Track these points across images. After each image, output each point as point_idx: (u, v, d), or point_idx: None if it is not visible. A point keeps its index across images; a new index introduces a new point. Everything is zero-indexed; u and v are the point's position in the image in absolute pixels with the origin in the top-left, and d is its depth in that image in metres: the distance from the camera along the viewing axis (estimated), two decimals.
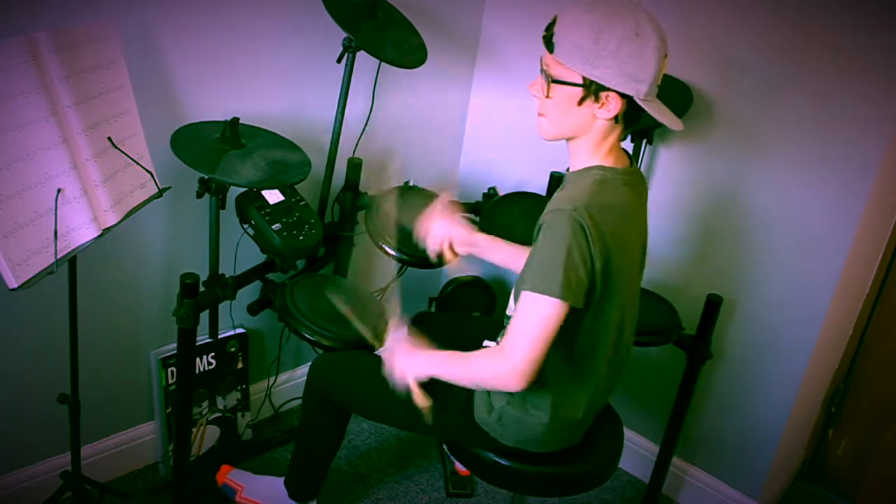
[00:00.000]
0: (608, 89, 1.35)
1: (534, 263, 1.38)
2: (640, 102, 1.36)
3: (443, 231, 1.73)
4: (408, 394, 1.50)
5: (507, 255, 1.73)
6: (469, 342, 1.75)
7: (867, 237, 2.04)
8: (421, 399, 1.50)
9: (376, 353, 1.60)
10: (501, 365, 1.38)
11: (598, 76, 1.34)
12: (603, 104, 1.37)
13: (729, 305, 2.11)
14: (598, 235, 1.34)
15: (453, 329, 1.98)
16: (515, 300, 1.56)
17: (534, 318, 1.35)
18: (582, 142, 1.44)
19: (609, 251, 1.37)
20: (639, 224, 1.52)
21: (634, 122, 1.43)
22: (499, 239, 1.75)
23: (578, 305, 1.36)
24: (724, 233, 2.13)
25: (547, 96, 1.42)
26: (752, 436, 2.18)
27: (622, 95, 1.36)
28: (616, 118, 1.39)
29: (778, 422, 2.13)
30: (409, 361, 1.52)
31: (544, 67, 1.42)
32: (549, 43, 1.39)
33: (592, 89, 1.36)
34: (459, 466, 2.28)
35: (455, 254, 1.74)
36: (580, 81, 1.36)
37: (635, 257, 1.52)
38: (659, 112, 1.39)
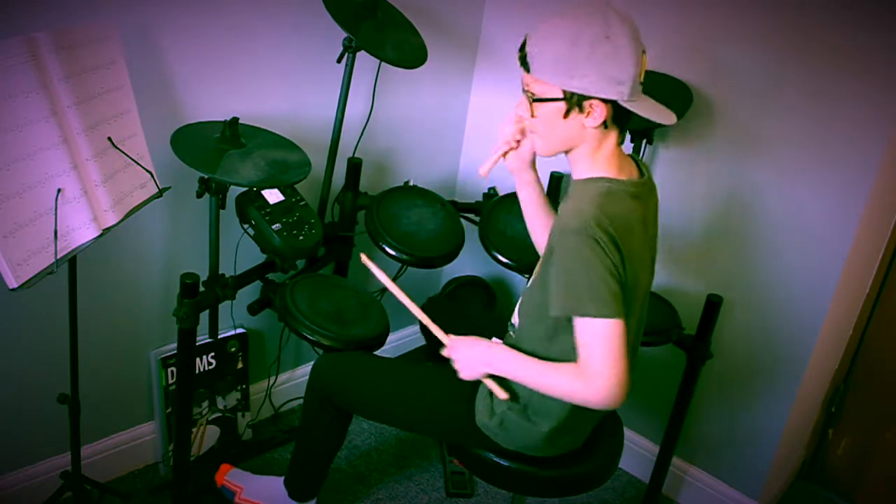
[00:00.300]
0: (591, 97, 1.34)
1: (565, 287, 1.35)
2: (624, 104, 1.35)
3: (513, 136, 1.63)
4: (406, 399, 1.48)
5: (534, 207, 1.70)
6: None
7: (867, 237, 2.04)
8: (501, 392, 1.50)
9: (442, 351, 1.58)
10: (588, 391, 1.35)
11: (577, 87, 1.33)
12: (589, 113, 1.36)
13: (729, 305, 2.11)
14: (612, 245, 1.33)
15: (464, 327, 1.98)
16: (520, 314, 1.56)
17: (598, 343, 1.33)
18: (579, 152, 1.43)
19: (623, 260, 1.36)
20: (645, 235, 1.49)
21: (627, 123, 1.42)
22: (542, 190, 1.70)
23: (623, 318, 1.34)
24: (724, 233, 2.13)
25: (532, 115, 1.42)
26: (752, 436, 2.18)
27: (606, 101, 1.35)
28: (605, 124, 1.38)
29: (778, 422, 2.13)
30: (475, 357, 1.51)
31: (525, 87, 1.41)
32: (524, 63, 1.39)
33: (574, 101, 1.35)
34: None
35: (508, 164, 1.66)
36: (561, 95, 1.36)
37: (645, 267, 1.51)
38: (647, 110, 1.38)
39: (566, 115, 1.37)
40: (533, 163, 1.66)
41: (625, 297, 1.36)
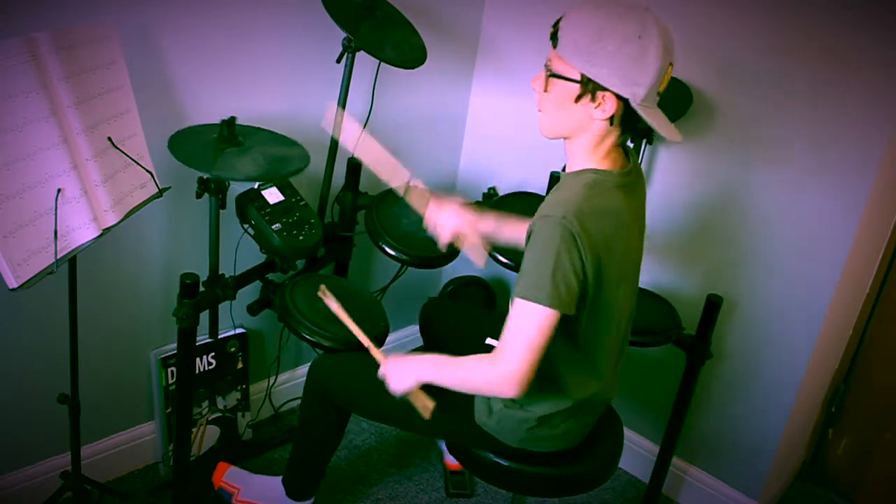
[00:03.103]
0: (605, 89, 1.34)
1: (525, 270, 1.37)
2: (636, 107, 1.35)
3: (451, 221, 1.73)
4: (406, 399, 1.51)
5: (517, 232, 1.73)
6: (473, 336, 1.74)
7: (867, 237, 2.04)
8: (424, 402, 1.51)
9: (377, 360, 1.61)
10: (493, 373, 1.38)
11: (595, 74, 1.34)
12: (599, 104, 1.36)
13: (729, 305, 2.11)
14: (588, 241, 1.33)
15: (464, 321, 1.98)
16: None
17: (524, 326, 1.35)
18: (578, 142, 1.44)
19: (601, 256, 1.36)
20: (635, 226, 1.50)
21: (632, 128, 1.42)
22: (507, 215, 1.75)
23: (570, 313, 1.35)
24: (724, 233, 2.13)
25: (545, 90, 1.42)
26: (752, 436, 2.18)
27: (619, 98, 1.35)
28: (612, 120, 1.38)
29: (778, 422, 2.13)
30: (402, 370, 1.53)
31: (547, 62, 1.42)
32: (554, 38, 1.39)
33: (590, 87, 1.35)
34: (449, 460, 2.28)
35: (472, 243, 1.75)
36: (578, 78, 1.36)
37: (631, 260, 1.52)
38: (656, 120, 1.38)
39: (577, 99, 1.38)
40: (481, 218, 1.74)
41: (596, 293, 1.39)
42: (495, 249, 2.10)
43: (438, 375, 1.48)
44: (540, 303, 1.32)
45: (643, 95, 1.34)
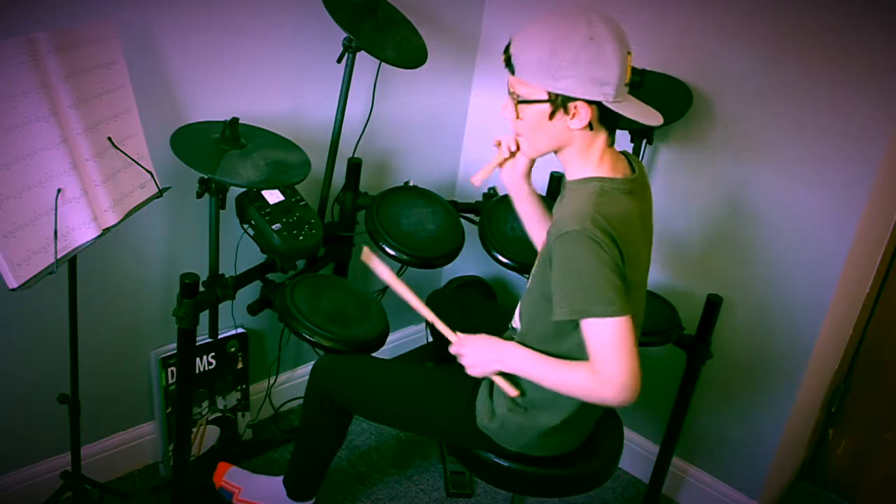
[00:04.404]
0: (575, 99, 1.34)
1: (569, 292, 1.35)
2: (609, 105, 1.35)
3: (508, 147, 1.59)
4: (407, 400, 1.47)
5: (535, 220, 1.69)
6: (483, 329, 1.74)
7: (867, 237, 2.04)
8: (511, 389, 1.51)
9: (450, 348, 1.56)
10: (605, 390, 1.35)
11: (561, 88, 1.33)
12: (573, 114, 1.36)
13: (729, 305, 2.11)
14: (611, 243, 1.32)
15: (472, 315, 1.97)
16: (521, 317, 1.56)
17: (609, 342, 1.33)
18: (568, 152, 1.43)
19: (622, 258, 1.35)
20: (644, 231, 1.50)
21: (614, 124, 1.42)
22: (540, 200, 1.69)
23: (631, 312, 1.34)
24: (724, 232, 2.13)
25: (517, 117, 1.42)
26: (752, 436, 2.18)
27: (591, 103, 1.35)
28: (591, 125, 1.38)
29: (778, 422, 2.13)
30: (484, 355, 1.50)
31: (511, 89, 1.41)
32: (509, 65, 1.39)
33: (559, 102, 1.35)
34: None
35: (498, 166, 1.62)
36: (545, 97, 1.36)
37: (643, 264, 1.51)
38: (632, 110, 1.38)
39: (551, 116, 1.38)
40: (528, 175, 1.65)
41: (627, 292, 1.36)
42: (496, 249, 2.10)
43: (534, 374, 1.45)
44: (606, 316, 1.31)
45: (613, 94, 1.34)
